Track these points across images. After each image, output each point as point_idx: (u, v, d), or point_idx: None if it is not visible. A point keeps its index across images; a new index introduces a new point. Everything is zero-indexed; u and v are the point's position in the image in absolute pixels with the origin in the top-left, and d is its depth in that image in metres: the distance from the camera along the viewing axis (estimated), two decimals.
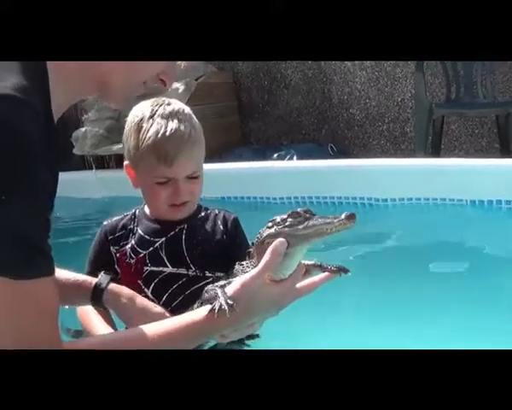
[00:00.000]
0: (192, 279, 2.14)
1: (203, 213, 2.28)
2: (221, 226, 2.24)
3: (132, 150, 2.18)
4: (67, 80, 1.46)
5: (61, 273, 2.00)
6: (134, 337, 1.50)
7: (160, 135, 2.11)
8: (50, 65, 1.41)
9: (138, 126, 2.16)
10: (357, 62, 7.03)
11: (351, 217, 1.54)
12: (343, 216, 1.53)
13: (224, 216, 2.28)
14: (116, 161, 6.90)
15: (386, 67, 6.92)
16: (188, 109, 2.24)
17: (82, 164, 7.03)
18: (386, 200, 4.70)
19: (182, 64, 7.07)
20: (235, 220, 2.29)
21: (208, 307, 1.53)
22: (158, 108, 2.17)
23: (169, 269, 2.17)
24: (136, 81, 1.58)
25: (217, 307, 1.50)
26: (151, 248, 2.19)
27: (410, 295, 3.06)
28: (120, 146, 6.66)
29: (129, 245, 2.23)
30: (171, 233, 2.21)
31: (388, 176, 4.77)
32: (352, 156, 6.81)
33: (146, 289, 2.17)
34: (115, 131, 7.08)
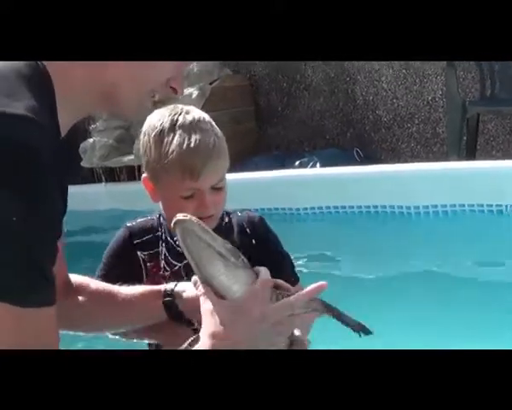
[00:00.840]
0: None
1: (227, 219, 2.30)
2: (248, 230, 2.28)
3: (153, 163, 2.19)
4: (72, 95, 1.49)
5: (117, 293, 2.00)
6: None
7: (184, 148, 2.12)
8: (55, 81, 1.43)
9: (159, 138, 2.16)
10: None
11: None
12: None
13: (248, 219, 2.30)
14: (127, 173, 6.93)
15: (414, 64, 6.90)
16: (208, 117, 2.26)
17: (91, 177, 7.07)
18: (418, 207, 4.67)
19: (194, 67, 7.10)
20: (262, 221, 2.32)
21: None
22: (178, 118, 2.19)
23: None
24: (143, 91, 1.59)
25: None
26: (185, 261, 2.00)
27: (447, 311, 3.05)
28: (132, 157, 6.70)
29: (162, 255, 2.25)
30: None
31: (419, 182, 4.75)
32: (380, 162, 6.78)
33: None
34: (126, 141, 7.12)
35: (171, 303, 1.94)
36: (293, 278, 2.19)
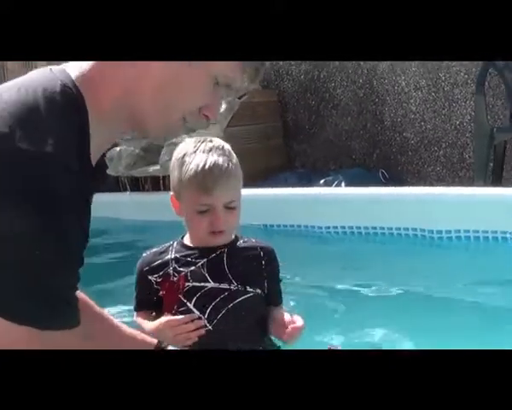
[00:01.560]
0: (234, 293, 2.52)
1: (241, 241, 2.66)
2: (261, 253, 2.64)
3: (176, 182, 2.58)
4: (104, 119, 1.53)
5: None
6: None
7: (200, 168, 2.47)
8: (88, 105, 1.48)
9: (182, 161, 2.53)
10: (411, 82, 7.01)
11: None
12: None
13: (261, 246, 2.67)
14: (152, 184, 6.96)
15: (443, 87, 6.89)
16: (227, 146, 2.59)
17: (116, 185, 7.11)
18: (440, 232, 4.65)
19: None
20: (272, 252, 2.67)
21: None
22: (200, 145, 2.53)
23: (211, 284, 2.55)
24: (172, 119, 1.64)
25: None
26: (193, 267, 2.57)
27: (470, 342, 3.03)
28: (157, 167, 6.74)
29: (170, 269, 2.60)
30: (213, 255, 2.59)
31: (444, 206, 4.73)
32: (405, 184, 6.77)
33: (188, 303, 2.54)
34: (152, 150, 7.15)
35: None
36: (278, 301, 2.66)
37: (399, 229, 4.84)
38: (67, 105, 1.45)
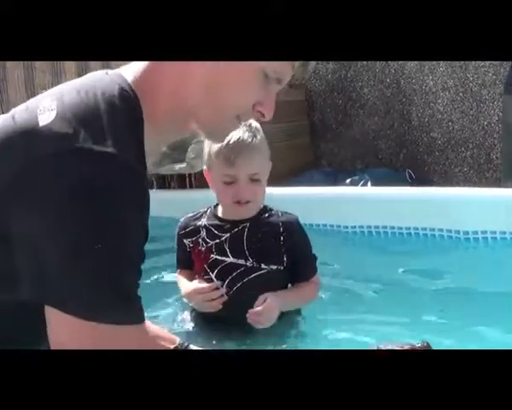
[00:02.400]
0: (249, 269, 2.76)
1: (266, 215, 2.90)
2: (281, 228, 2.87)
3: (207, 156, 2.86)
4: (158, 125, 1.57)
5: None
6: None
7: (226, 143, 2.70)
8: (144, 110, 1.51)
9: None
10: (439, 82, 6.98)
11: None
12: None
13: (284, 219, 2.90)
14: (178, 182, 6.98)
15: (471, 88, 6.86)
16: (255, 123, 2.83)
17: None
18: (467, 233, 4.63)
19: None
20: (295, 223, 2.92)
21: None
22: None
23: (230, 259, 2.83)
24: (226, 117, 1.63)
25: None
26: (217, 240, 2.86)
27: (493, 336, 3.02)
28: (183, 165, 6.75)
29: (201, 236, 2.91)
30: (235, 230, 2.86)
31: (471, 207, 4.70)
32: (432, 184, 6.74)
33: (211, 273, 2.84)
34: (179, 148, 7.16)
35: None
36: (307, 276, 2.90)
37: (425, 229, 4.82)
38: (126, 108, 1.48)
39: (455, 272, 4.23)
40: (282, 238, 2.84)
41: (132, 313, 1.42)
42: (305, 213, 5.48)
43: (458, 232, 4.66)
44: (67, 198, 1.33)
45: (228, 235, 2.86)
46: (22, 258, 1.37)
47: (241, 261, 2.81)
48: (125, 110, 1.46)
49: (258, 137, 2.83)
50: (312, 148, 7.84)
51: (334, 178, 6.71)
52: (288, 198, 5.32)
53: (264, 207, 2.93)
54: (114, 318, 1.37)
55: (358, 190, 5.98)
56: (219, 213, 2.94)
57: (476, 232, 4.58)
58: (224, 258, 2.84)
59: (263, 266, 2.77)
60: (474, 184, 6.62)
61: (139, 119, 1.50)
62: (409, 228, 4.89)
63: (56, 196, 1.33)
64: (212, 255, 2.86)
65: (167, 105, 1.58)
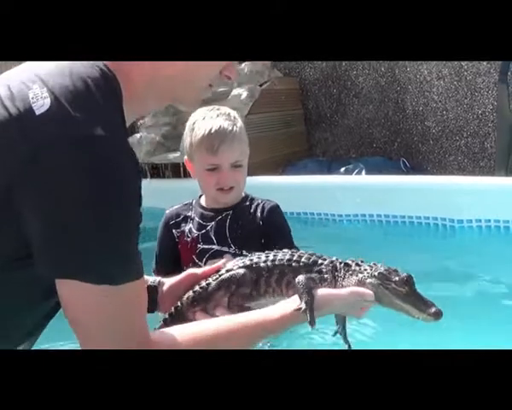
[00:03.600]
0: (232, 256, 2.65)
1: (248, 202, 2.94)
2: (259, 214, 2.90)
3: (188, 146, 2.92)
4: (136, 97, 1.63)
5: None
6: (215, 332, 1.68)
7: (207, 131, 2.81)
8: (122, 86, 1.57)
9: (192, 127, 2.88)
10: (434, 71, 6.99)
11: (438, 315, 1.73)
12: (432, 311, 1.73)
13: (263, 205, 2.93)
14: (172, 171, 6.99)
15: (466, 76, 6.86)
16: (234, 113, 2.95)
17: None
18: (461, 221, 4.65)
19: (245, 68, 7.14)
20: (273, 209, 2.92)
21: (284, 305, 1.77)
22: (209, 113, 2.88)
23: (216, 247, 2.88)
24: (200, 87, 1.75)
25: (302, 306, 1.74)
26: (203, 230, 2.91)
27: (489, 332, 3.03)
28: (177, 154, 6.75)
29: (187, 227, 2.96)
30: (219, 218, 2.91)
31: (465, 195, 4.72)
32: (426, 173, 6.76)
33: (200, 263, 2.85)
34: (172, 138, 7.17)
35: (154, 288, 2.21)
36: None
37: (420, 218, 4.84)
38: (111, 90, 1.53)
39: (450, 259, 4.24)
40: (260, 223, 2.90)
41: (139, 267, 1.54)
42: (300, 202, 5.51)
43: (453, 221, 4.69)
44: (81, 180, 1.41)
45: (213, 223, 2.93)
46: (38, 237, 1.44)
47: (225, 249, 2.87)
48: (109, 92, 1.53)
49: (238, 124, 2.90)
50: (307, 136, 7.84)
51: (328, 167, 6.72)
52: (282, 187, 5.33)
53: (246, 195, 2.98)
54: (129, 277, 1.48)
55: (353, 179, 5.99)
56: (203, 203, 3.00)
57: (470, 221, 4.60)
58: (210, 246, 2.91)
59: (244, 252, 2.78)
60: (469, 173, 6.64)
61: (121, 99, 1.56)
62: (403, 216, 4.91)
63: (71, 179, 1.41)
64: (198, 245, 2.91)
65: (146, 81, 1.64)
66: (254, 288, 2.02)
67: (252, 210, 2.93)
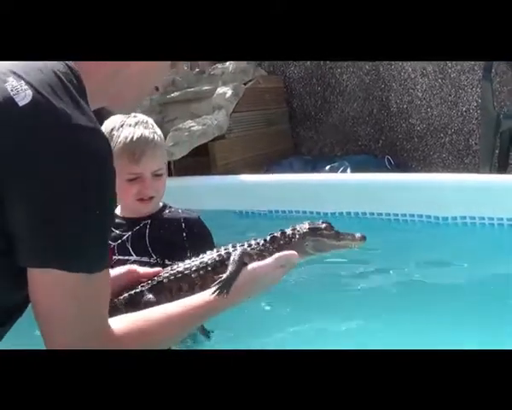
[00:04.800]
0: (153, 266, 2.54)
1: (167, 211, 2.88)
2: (183, 224, 2.83)
3: None
4: (91, 95, 1.63)
5: None
6: (169, 316, 1.72)
7: (128, 140, 2.74)
8: (85, 83, 1.59)
9: (110, 135, 2.75)
10: (418, 68, 7.01)
11: (364, 237, 1.98)
12: (359, 236, 1.97)
13: (186, 215, 2.87)
14: None
15: (450, 74, 6.89)
16: (151, 120, 2.91)
17: None
18: (446, 218, 4.66)
19: (230, 67, 7.14)
20: (196, 220, 2.88)
21: (210, 291, 1.82)
22: (126, 119, 2.80)
23: (133, 257, 2.77)
24: (144, 94, 1.87)
25: (217, 292, 1.79)
26: (119, 241, 2.81)
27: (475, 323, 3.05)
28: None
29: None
30: (137, 228, 2.82)
31: (450, 192, 4.73)
32: (411, 170, 6.79)
33: None
34: None
35: None
36: None
37: (405, 215, 4.85)
38: (79, 84, 1.56)
39: (435, 257, 4.25)
40: (184, 234, 2.84)
41: (108, 257, 1.58)
42: (285, 201, 5.52)
43: (438, 218, 4.70)
44: (70, 168, 1.45)
45: (129, 233, 2.84)
46: (21, 224, 1.46)
47: (145, 259, 2.78)
48: (79, 87, 1.55)
49: (158, 132, 2.87)
50: (292, 135, 7.85)
51: (313, 166, 6.73)
52: (266, 185, 5.33)
53: (164, 204, 2.92)
54: (102, 266, 1.52)
55: (338, 177, 6.00)
56: (118, 213, 2.90)
57: (455, 217, 4.62)
58: (127, 257, 2.81)
59: (167, 262, 2.73)
60: (453, 170, 6.66)
61: (84, 92, 1.59)
62: (388, 214, 4.92)
63: (59, 167, 1.44)
64: (114, 256, 2.80)
65: (103, 80, 1.68)
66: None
67: (173, 220, 2.87)
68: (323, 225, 1.97)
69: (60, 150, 1.44)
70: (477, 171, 5.97)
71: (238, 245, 1.97)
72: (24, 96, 1.45)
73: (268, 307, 3.32)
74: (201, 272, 2.00)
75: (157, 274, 2.08)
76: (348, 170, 6.40)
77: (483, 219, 4.54)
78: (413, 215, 4.82)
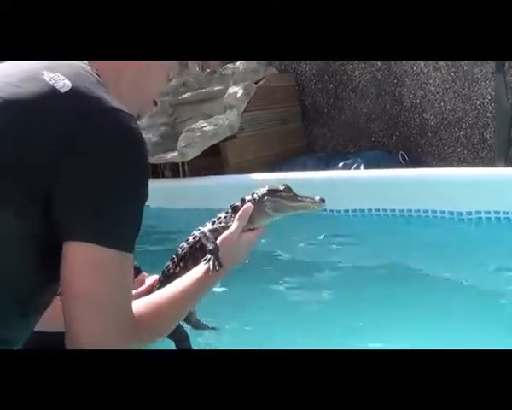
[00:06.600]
0: None
1: None
2: None
3: None
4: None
5: None
6: (173, 296, 1.76)
7: None
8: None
9: None
10: (430, 62, 6.97)
11: (323, 199, 2.02)
12: (318, 198, 2.02)
13: None
14: (172, 170, 6.99)
15: (463, 67, 6.85)
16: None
17: None
18: (461, 213, 4.65)
19: (240, 66, 7.14)
20: None
21: (203, 267, 1.87)
22: None
23: None
24: (148, 101, 1.85)
25: (211, 267, 1.85)
26: None
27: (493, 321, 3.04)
28: (175, 154, 6.76)
29: None
30: None
31: (465, 187, 4.71)
32: (426, 166, 6.75)
33: None
34: (170, 137, 7.18)
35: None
36: None
37: (419, 211, 4.84)
38: (99, 78, 1.60)
39: (450, 252, 4.24)
40: None
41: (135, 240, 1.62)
42: None
43: (452, 213, 4.68)
44: (118, 149, 1.50)
45: None
46: (71, 200, 1.49)
47: None
48: (101, 81, 1.59)
49: None
50: (304, 133, 7.84)
51: (327, 163, 6.72)
52: (280, 184, 5.32)
53: None
54: (132, 246, 1.55)
55: (351, 174, 5.99)
56: None
57: (470, 213, 4.59)
58: None
59: None
60: (469, 164, 6.62)
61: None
62: (402, 210, 4.91)
63: (110, 148, 1.49)
64: None
65: (108, 83, 1.70)
66: None
67: None
68: (282, 188, 2.03)
69: (110, 133, 1.49)
70: (492, 165, 5.93)
71: (201, 227, 2.02)
72: (63, 84, 1.49)
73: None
74: (181, 264, 2.06)
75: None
76: (362, 167, 6.39)
77: (498, 213, 4.51)
78: (427, 211, 4.81)
